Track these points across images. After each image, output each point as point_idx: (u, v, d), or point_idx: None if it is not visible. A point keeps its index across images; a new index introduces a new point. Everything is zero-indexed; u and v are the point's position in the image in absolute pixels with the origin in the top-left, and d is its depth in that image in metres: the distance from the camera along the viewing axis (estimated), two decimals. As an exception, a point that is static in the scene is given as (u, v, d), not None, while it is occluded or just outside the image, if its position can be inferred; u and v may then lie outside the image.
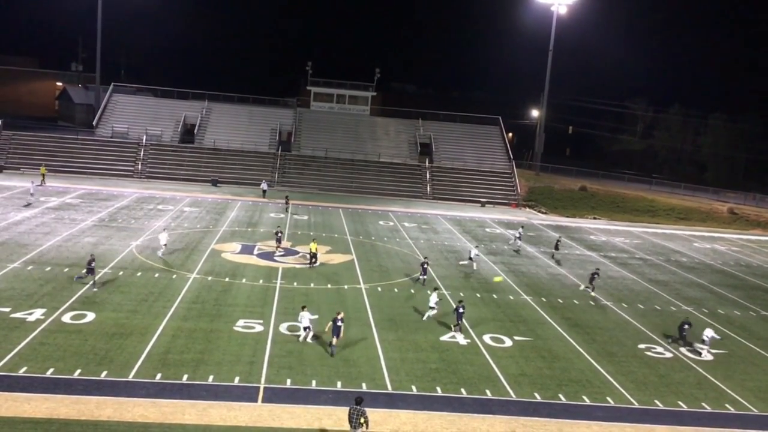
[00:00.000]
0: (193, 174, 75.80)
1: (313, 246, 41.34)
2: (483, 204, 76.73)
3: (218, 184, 73.64)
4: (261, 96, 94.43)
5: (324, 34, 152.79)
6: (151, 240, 44.43)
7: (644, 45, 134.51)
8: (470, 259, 43.59)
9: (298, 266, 40.89)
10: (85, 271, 33.49)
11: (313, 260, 40.88)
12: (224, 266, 39.33)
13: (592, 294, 39.52)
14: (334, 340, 26.78)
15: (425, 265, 39.16)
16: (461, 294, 37.09)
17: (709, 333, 31.03)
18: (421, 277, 38.83)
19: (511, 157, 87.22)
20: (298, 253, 44.09)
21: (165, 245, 40.55)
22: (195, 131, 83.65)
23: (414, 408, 22.92)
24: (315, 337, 28.17)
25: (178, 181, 73.69)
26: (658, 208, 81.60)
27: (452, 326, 30.72)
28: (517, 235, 52.93)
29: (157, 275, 36.00)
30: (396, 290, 37.36)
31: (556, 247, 50.63)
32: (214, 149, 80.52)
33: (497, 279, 40.33)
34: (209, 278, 36.46)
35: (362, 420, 19.39)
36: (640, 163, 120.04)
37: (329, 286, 37.04)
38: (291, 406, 22.34)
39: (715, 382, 27.51)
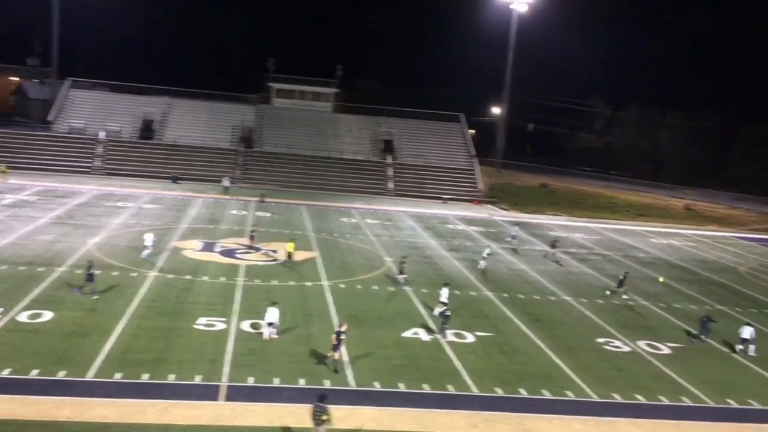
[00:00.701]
0: (152, 171, 74.76)
1: (290, 246, 40.98)
2: (445, 201, 77.15)
3: (178, 181, 72.78)
4: (222, 92, 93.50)
5: (286, 30, 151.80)
6: (109, 237, 43.77)
7: (603, 43, 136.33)
8: (484, 259, 43.64)
9: (260, 263, 40.66)
10: (85, 281, 31.47)
11: (287, 260, 40.35)
12: (185, 264, 38.93)
13: (624, 297, 39.53)
14: (335, 355, 25.32)
15: (404, 264, 38.99)
16: (424, 291, 37.29)
17: (747, 332, 31.35)
18: (401, 276, 38.41)
19: (473, 154, 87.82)
20: (260, 250, 43.83)
21: (150, 246, 39.30)
22: (155, 127, 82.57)
23: (377, 404, 22.98)
24: (278, 334, 28.07)
25: (138, 178, 72.60)
26: (616, 205, 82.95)
27: (438, 330, 30.29)
28: (513, 234, 53.56)
29: (116, 273, 35.47)
30: (359, 287, 37.38)
31: (553, 246, 50.42)
32: (174, 146, 79.57)
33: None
34: (170, 276, 36.05)
35: (325, 417, 19.39)
36: (599, 161, 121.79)
37: (292, 283, 36.91)
38: (253, 404, 22.23)
39: (672, 375, 28.07)
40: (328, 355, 25.57)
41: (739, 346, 31.65)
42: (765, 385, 27.70)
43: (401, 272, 38.55)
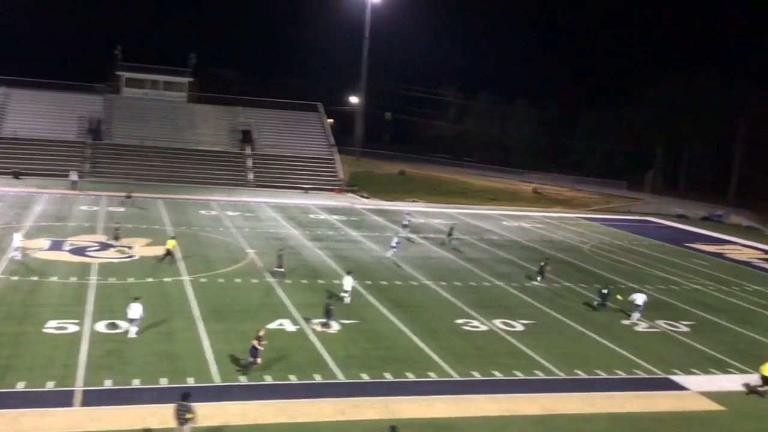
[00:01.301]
0: (-10, 166, 69.61)
1: (170, 243, 39.25)
2: (306, 190, 77.05)
3: (21, 177, 68.15)
4: (66, 81, 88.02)
5: (134, 15, 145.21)
6: (-57, 239, 40.43)
7: (454, 34, 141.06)
8: (393, 248, 44.56)
9: (115, 261, 38.96)
10: None
11: (167, 258, 38.71)
12: (31, 264, 36.60)
13: (538, 281, 41.50)
14: (258, 360, 24.48)
15: (281, 257, 38.38)
16: (288, 281, 37.19)
17: (640, 298, 34.62)
18: (279, 270, 37.88)
19: (333, 143, 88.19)
20: (114, 246, 41.92)
21: (19, 247, 36.44)
22: (-9, 119, 76.76)
23: (243, 399, 22.71)
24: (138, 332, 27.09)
25: (-26, 174, 67.32)
26: (470, 190, 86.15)
27: (321, 323, 30.04)
28: (405, 223, 54.52)
29: (-48, 278, 32.81)
30: (221, 281, 36.70)
31: (450, 234, 51.95)
32: (14, 139, 74.43)
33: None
34: (15, 278, 33.81)
35: (189, 416, 18.97)
36: (453, 148, 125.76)
37: (150, 279, 35.64)
38: (112, 407, 21.33)
39: (526, 350, 29.61)
40: (251, 360, 24.43)
41: (636, 314, 34.69)
42: (609, 356, 29.83)
43: (279, 266, 37.99)
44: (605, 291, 36.80)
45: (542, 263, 43.08)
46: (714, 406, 25.24)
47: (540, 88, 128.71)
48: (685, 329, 34.53)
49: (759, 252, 60.30)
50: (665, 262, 52.31)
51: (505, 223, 66.19)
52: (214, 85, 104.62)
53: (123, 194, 58.76)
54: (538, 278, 42.02)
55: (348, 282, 34.11)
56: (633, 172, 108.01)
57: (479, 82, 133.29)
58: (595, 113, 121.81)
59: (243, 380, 24.04)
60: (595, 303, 36.90)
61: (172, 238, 41.08)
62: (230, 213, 58.63)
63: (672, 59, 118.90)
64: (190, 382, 23.54)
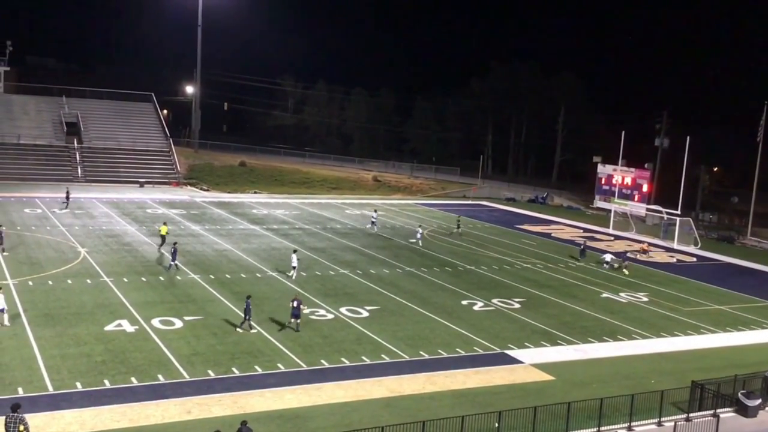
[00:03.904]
0: None
1: (164, 229, 43.31)
2: (142, 184, 73.95)
3: None
4: None
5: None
6: None
7: (291, 23, 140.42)
8: (417, 238, 51.08)
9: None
10: None
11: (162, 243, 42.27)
12: None
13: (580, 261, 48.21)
14: (298, 321, 29.57)
15: (175, 251, 38.61)
16: (125, 280, 35.70)
17: (608, 256, 48.12)
18: (173, 263, 38.22)
19: (168, 134, 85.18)
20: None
21: None
22: None
23: (80, 406, 21.64)
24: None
25: None
26: (312, 180, 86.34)
27: (241, 324, 29.54)
28: (373, 219, 56.49)
29: None
30: (50, 282, 34.55)
31: (458, 227, 57.52)
32: None
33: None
34: None
35: (21, 428, 17.87)
36: (293, 138, 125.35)
37: (-32, 286, 32.87)
38: (-69, 427, 19.60)
39: (372, 335, 30.29)
40: (291, 321, 29.58)
41: (605, 264, 47.43)
42: (450, 335, 31.16)
43: (173, 258, 38.56)
44: (585, 248, 50.09)
45: (582, 246, 50.87)
46: (545, 377, 27.10)
47: (376, 77, 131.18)
48: (517, 306, 36.70)
49: (580, 231, 65.12)
50: (498, 243, 55.17)
51: (347, 211, 67.01)
52: (33, 74, 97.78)
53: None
54: (581, 257, 49.49)
55: (294, 258, 38.47)
56: (466, 159, 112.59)
57: (317, 72, 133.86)
58: (429, 102, 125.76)
59: (79, 386, 22.80)
60: (578, 258, 49.13)
61: (164, 223, 44.68)
62: (58, 210, 55.16)
63: (497, 50, 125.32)
64: (20, 392, 22.10)
